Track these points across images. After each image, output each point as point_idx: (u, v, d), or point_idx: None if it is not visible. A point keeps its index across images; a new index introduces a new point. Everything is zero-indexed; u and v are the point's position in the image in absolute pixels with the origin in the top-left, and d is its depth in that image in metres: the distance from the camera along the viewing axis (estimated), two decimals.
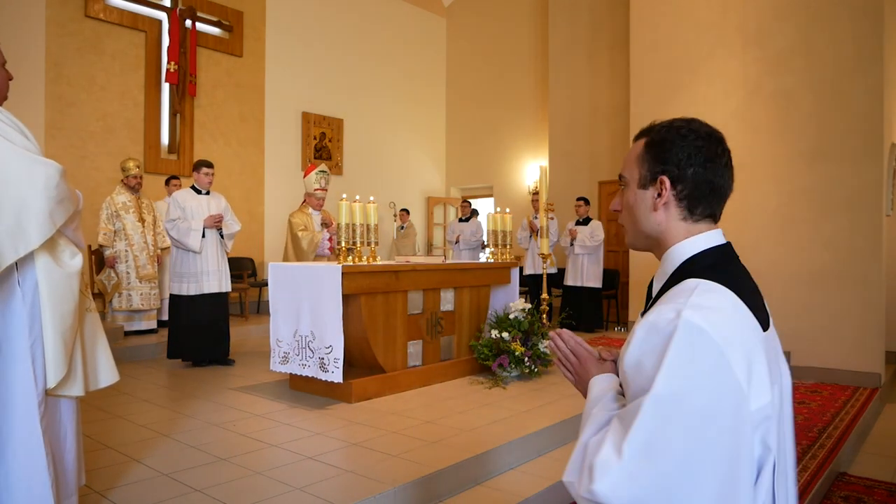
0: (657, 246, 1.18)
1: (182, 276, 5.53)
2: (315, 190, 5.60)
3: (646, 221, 1.17)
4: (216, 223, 5.55)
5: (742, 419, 0.95)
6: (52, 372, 2.08)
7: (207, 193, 5.65)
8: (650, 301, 1.18)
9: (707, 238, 1.13)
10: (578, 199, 8.26)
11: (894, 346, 6.77)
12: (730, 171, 1.15)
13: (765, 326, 1.08)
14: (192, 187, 5.66)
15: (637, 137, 1.21)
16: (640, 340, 1.01)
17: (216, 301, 5.63)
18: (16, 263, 2.04)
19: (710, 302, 1.00)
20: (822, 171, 6.26)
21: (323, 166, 5.65)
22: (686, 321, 0.95)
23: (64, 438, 2.24)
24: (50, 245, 2.10)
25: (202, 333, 5.55)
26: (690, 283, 1.05)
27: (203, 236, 5.49)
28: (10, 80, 2.26)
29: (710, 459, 0.93)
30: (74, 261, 2.17)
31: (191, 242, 5.43)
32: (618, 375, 1.19)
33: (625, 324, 8.46)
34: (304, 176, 5.73)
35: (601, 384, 1.19)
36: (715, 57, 7.06)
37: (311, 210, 5.74)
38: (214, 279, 5.59)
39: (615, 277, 8.84)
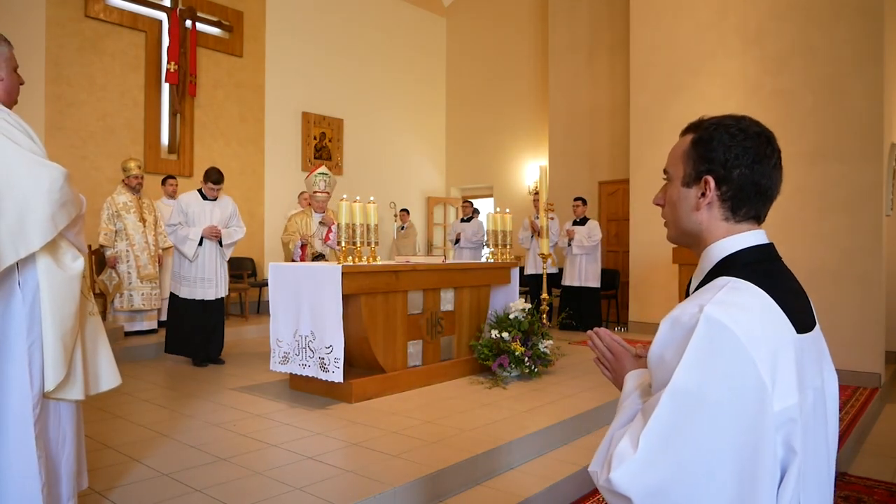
0: (696, 244, 1.18)
1: (180, 278, 5.55)
2: (315, 192, 5.59)
3: (687, 219, 1.16)
4: (214, 235, 5.53)
5: (764, 417, 0.93)
6: (50, 374, 2.06)
7: (214, 199, 5.63)
8: None
9: (746, 237, 1.12)
10: (576, 200, 8.28)
11: (894, 346, 6.76)
12: (778, 173, 1.13)
13: (805, 329, 1.07)
14: (199, 191, 5.63)
15: (684, 132, 1.19)
16: (663, 334, 1.02)
17: (213, 304, 5.63)
18: (17, 264, 2.03)
19: (737, 299, 0.99)
20: (822, 170, 6.25)
21: (323, 168, 5.63)
22: (707, 316, 0.95)
23: (62, 442, 2.21)
24: (52, 247, 2.10)
25: (197, 334, 5.56)
26: (721, 280, 1.05)
27: (200, 244, 5.49)
28: (22, 84, 2.27)
29: (727, 454, 0.92)
30: (76, 264, 2.17)
31: (186, 251, 5.44)
32: None
33: (625, 324, 8.46)
34: (306, 178, 5.72)
35: (634, 379, 1.19)
36: (715, 57, 7.06)
37: (313, 213, 5.72)
38: (210, 287, 5.58)
39: (615, 277, 8.84)
